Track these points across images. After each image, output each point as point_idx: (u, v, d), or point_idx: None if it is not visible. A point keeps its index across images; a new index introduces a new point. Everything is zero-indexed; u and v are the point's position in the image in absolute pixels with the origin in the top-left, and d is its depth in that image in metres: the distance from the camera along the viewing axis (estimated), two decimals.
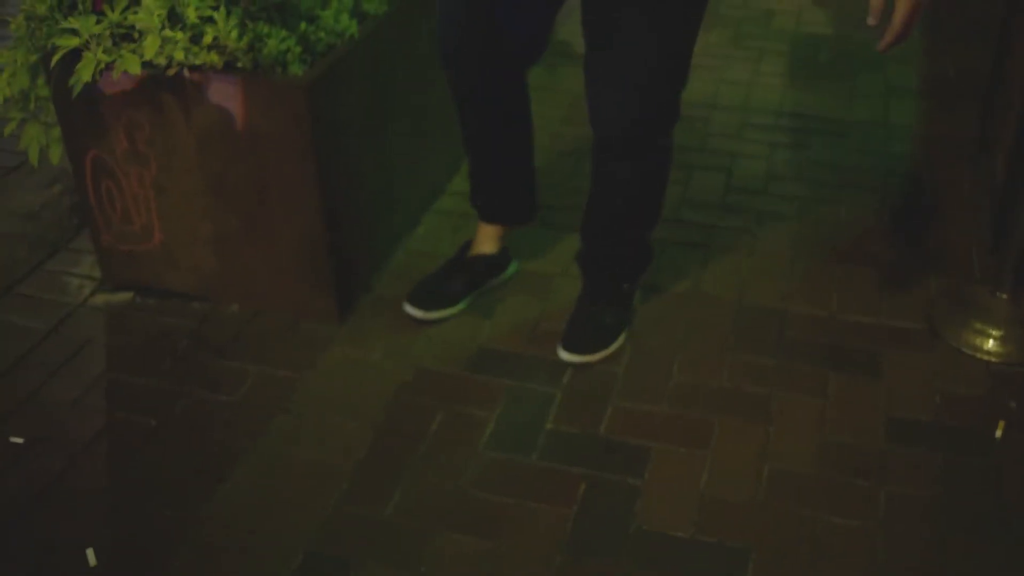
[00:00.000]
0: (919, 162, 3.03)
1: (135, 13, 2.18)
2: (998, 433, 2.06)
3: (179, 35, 2.14)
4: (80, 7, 2.25)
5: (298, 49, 2.18)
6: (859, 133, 3.17)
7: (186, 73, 2.18)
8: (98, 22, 2.20)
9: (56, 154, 2.51)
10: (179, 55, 2.14)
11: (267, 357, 2.33)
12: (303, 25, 2.25)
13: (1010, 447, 2.04)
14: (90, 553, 1.88)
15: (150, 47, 2.13)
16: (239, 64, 2.17)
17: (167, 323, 2.45)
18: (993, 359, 2.23)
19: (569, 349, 2.28)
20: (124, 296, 2.55)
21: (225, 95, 2.20)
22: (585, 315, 2.33)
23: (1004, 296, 2.29)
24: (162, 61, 2.16)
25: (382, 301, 2.50)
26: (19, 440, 2.13)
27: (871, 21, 1.68)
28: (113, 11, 2.20)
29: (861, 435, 2.07)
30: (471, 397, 2.19)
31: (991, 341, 2.24)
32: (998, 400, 2.15)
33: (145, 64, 2.16)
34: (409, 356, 2.32)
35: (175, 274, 2.51)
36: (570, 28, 3.14)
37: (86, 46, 2.18)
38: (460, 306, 2.44)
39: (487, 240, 2.47)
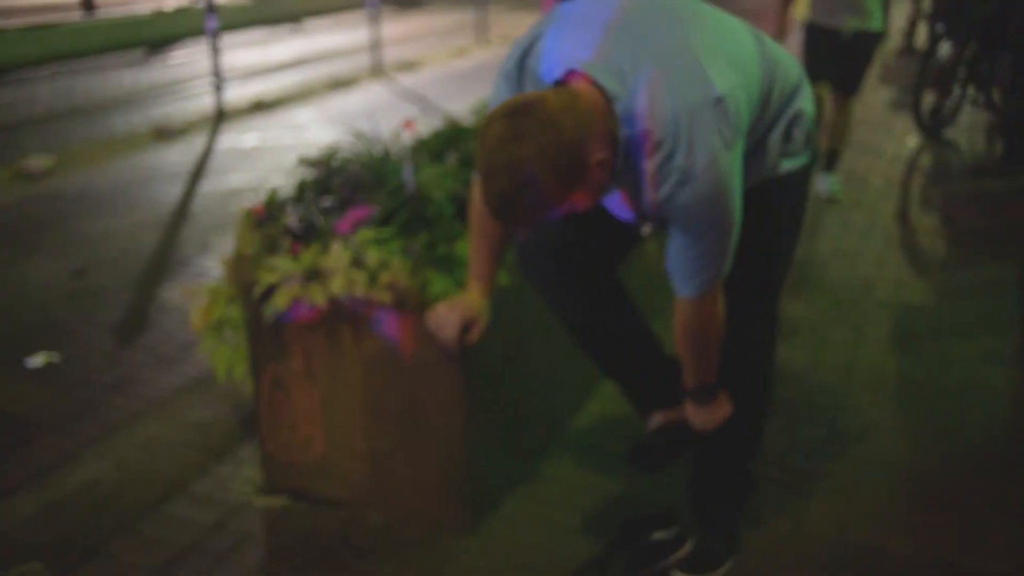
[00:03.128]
0: (1010, 424, 3.22)
1: (326, 257, 2.62)
2: None
3: (361, 275, 2.56)
4: (279, 249, 2.71)
5: (457, 292, 2.57)
6: (953, 394, 3.40)
7: (362, 308, 2.58)
8: (293, 262, 2.64)
9: (240, 372, 2.92)
10: (360, 292, 2.55)
11: (404, 561, 2.59)
12: (462, 272, 2.65)
13: None
14: None
15: (337, 283, 2.55)
16: (407, 302, 2.57)
17: (317, 525, 2.75)
18: None
19: (682, 569, 2.49)
20: (281, 499, 2.86)
21: (393, 328, 2.58)
22: (697, 540, 2.55)
23: None
24: (343, 296, 2.57)
25: (510, 519, 2.75)
26: None
27: None
28: (307, 254, 2.64)
29: None
30: None
31: None
32: None
33: (328, 298, 2.57)
34: (535, 571, 2.54)
35: (328, 482, 2.83)
36: None
37: (282, 281, 2.61)
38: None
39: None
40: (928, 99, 6.79)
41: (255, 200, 2.89)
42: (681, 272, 2.13)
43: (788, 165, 2.29)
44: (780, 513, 2.76)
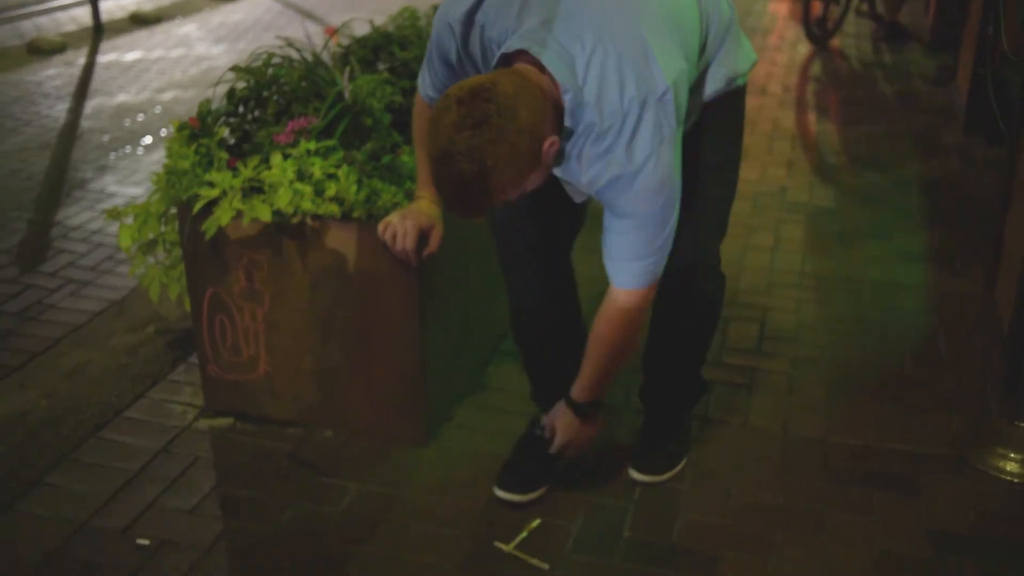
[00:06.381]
0: (931, 316, 3.37)
1: (266, 169, 2.53)
2: None
3: (307, 188, 2.48)
4: (216, 164, 2.61)
5: (406, 202, 2.52)
6: (875, 291, 3.53)
7: (309, 221, 2.51)
8: (233, 177, 2.54)
9: (174, 291, 2.82)
10: (307, 205, 2.48)
11: (364, 475, 2.58)
12: (408, 183, 2.60)
13: None
14: None
15: (282, 198, 2.47)
16: (355, 214, 2.51)
17: (267, 445, 2.70)
18: (1017, 480, 2.51)
19: (640, 470, 2.55)
20: (225, 421, 2.80)
21: (341, 241, 2.53)
22: (652, 441, 2.60)
23: (1022, 425, 2.59)
24: (289, 210, 2.49)
25: (462, 429, 2.77)
26: (145, 542, 2.35)
27: None
28: (246, 168, 2.55)
29: (908, 545, 2.33)
30: (555, 510, 2.43)
31: (1014, 464, 2.53)
32: None
33: (273, 213, 2.49)
34: (495, 476, 2.56)
35: (274, 402, 2.78)
36: None
37: (223, 196, 2.52)
38: (545, 488, 2.49)
39: None
40: (816, 8, 6.91)
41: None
42: (618, 259, 2.11)
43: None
44: (726, 410, 2.84)
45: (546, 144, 1.90)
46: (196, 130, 2.64)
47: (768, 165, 4.73)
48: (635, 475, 2.54)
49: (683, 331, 2.51)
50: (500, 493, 2.47)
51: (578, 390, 2.34)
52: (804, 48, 6.99)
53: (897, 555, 2.30)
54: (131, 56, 7.10)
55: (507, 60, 1.96)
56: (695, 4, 2.12)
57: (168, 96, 6.10)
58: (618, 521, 2.41)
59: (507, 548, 2.31)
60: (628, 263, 2.10)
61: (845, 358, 3.11)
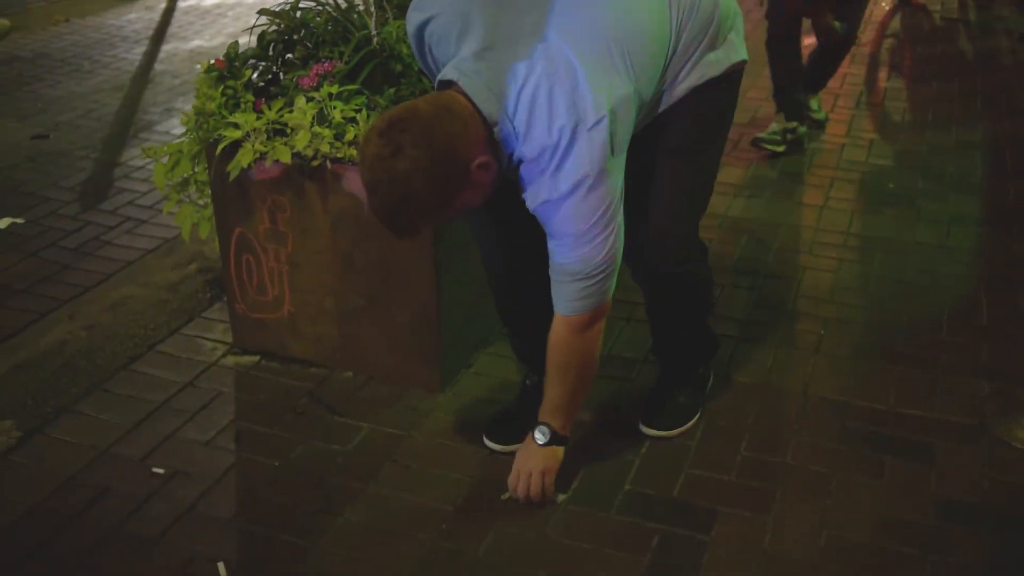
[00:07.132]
0: (977, 281, 3.26)
1: (290, 112, 2.56)
2: None
3: (326, 132, 2.51)
4: (242, 105, 2.65)
5: None
6: (921, 254, 3.43)
7: (328, 164, 2.54)
8: (257, 119, 2.58)
9: (205, 230, 2.89)
10: (325, 148, 2.51)
11: (377, 417, 2.62)
12: None
13: None
14: (221, 567, 2.16)
15: (301, 140, 2.50)
16: None
17: (288, 384, 2.77)
18: None
19: (649, 425, 2.54)
20: (251, 359, 2.87)
21: (359, 185, 2.53)
22: (663, 395, 2.59)
23: None
24: (309, 153, 2.52)
25: (479, 377, 2.79)
26: (160, 471, 2.44)
27: None
28: (270, 110, 2.58)
29: (913, 512, 2.28)
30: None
31: None
32: None
33: (294, 155, 2.53)
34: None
35: (298, 342, 2.83)
36: None
37: (246, 138, 2.56)
38: None
39: None
40: None
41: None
42: (554, 281, 2.08)
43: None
44: (748, 368, 2.80)
45: (472, 165, 1.91)
46: (223, 72, 2.68)
47: (828, 124, 4.60)
48: (644, 429, 2.54)
49: (671, 310, 2.46)
50: (486, 440, 2.51)
51: (542, 412, 2.30)
52: (886, 3, 6.76)
53: (901, 522, 2.26)
54: (210, 1, 7.22)
55: (446, 85, 1.98)
56: (665, 9, 2.04)
57: (241, 42, 6.17)
58: (621, 474, 2.41)
59: (505, 497, 2.33)
60: (563, 285, 2.07)
61: (879, 321, 3.04)
